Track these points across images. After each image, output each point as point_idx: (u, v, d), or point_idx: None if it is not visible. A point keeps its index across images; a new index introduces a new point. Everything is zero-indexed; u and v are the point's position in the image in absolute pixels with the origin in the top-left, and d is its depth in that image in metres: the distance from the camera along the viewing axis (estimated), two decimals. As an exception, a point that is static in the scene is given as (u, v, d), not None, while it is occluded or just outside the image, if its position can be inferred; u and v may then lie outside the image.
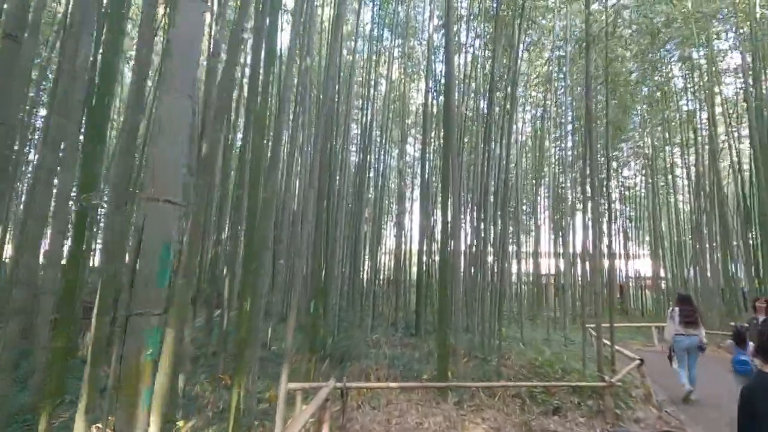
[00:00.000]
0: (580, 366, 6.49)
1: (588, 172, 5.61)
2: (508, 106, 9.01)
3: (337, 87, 11.32)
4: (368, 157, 13.04)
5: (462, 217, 12.45)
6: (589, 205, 5.65)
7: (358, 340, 8.53)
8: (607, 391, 4.44)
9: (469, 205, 12.18)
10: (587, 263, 19.45)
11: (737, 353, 5.00)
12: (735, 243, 15.58)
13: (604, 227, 6.52)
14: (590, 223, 6.03)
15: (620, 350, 6.29)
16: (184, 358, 4.77)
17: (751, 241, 13.90)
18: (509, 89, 8.78)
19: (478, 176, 9.95)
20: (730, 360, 5.17)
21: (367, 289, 11.66)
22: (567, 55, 12.91)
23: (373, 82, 13.96)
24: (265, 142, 3.87)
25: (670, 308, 6.59)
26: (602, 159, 9.37)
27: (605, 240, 6.75)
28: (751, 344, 5.12)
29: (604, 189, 12.23)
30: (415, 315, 10.60)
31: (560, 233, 19.11)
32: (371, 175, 14.87)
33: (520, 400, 5.00)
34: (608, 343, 6.54)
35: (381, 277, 18.87)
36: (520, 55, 9.00)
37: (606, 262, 6.90)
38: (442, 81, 14.61)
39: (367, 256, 12.40)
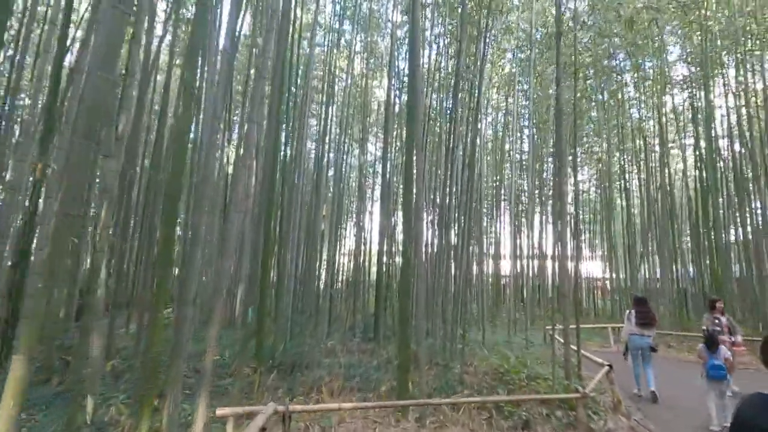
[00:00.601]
0: (545, 371, 6.20)
1: (558, 165, 5.31)
2: (473, 105, 8.70)
3: (298, 81, 10.64)
4: (327, 153, 12.38)
5: (424, 217, 12.10)
6: (558, 202, 5.36)
7: (312, 347, 7.87)
8: (580, 403, 4.10)
9: (432, 206, 11.85)
10: (548, 264, 19.75)
11: (710, 358, 4.86)
12: (679, 245, 16.27)
13: (567, 228, 6.33)
14: (558, 223, 5.76)
15: (585, 354, 6.06)
16: (94, 377, 3.96)
17: (698, 244, 14.48)
18: (475, 82, 8.47)
19: (441, 177, 9.58)
20: (702, 365, 5.03)
21: (323, 291, 10.98)
22: (532, 53, 12.86)
23: (333, 77, 13.32)
24: (194, 117, 3.19)
25: (628, 310, 6.88)
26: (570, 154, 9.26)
27: (570, 241, 6.53)
28: (723, 348, 5.01)
29: (572, 187, 12.24)
30: (373, 318, 10.07)
31: (520, 235, 19.29)
32: (330, 173, 14.20)
33: (487, 413, 4.58)
34: (573, 347, 6.31)
35: (340, 278, 18.21)
36: (485, 50, 8.71)
37: (570, 264, 6.73)
38: (405, 79, 14.25)
39: (324, 256, 11.72)
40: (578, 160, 22.21)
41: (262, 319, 6.00)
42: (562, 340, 7.63)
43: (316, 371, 6.35)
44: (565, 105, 11.29)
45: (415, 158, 5.03)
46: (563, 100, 5.03)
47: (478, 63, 8.60)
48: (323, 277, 11.21)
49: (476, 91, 8.46)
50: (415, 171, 5.04)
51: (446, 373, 6.25)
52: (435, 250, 9.26)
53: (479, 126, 11.97)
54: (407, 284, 4.58)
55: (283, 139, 9.02)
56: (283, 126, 9.34)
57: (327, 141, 12.10)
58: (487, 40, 9.29)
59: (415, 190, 4.97)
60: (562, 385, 5.26)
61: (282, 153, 9.03)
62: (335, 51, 13.77)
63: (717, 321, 5.89)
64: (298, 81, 11.05)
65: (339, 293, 17.49)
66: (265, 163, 7.25)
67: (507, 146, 20.91)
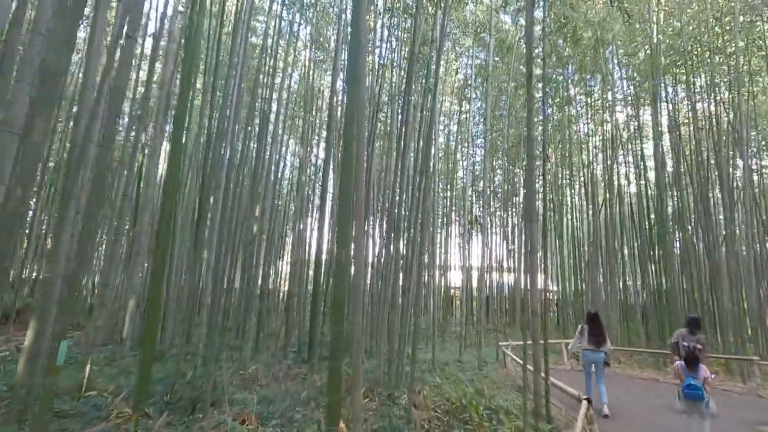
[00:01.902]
0: (505, 399, 5.26)
1: (528, 152, 4.45)
2: (427, 103, 7.76)
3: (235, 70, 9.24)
4: (266, 149, 10.98)
5: (366, 221, 11.06)
6: (529, 198, 4.49)
7: (230, 374, 6.46)
8: (564, 457, 3.14)
9: (380, 213, 10.89)
10: (502, 276, 19.19)
11: (687, 377, 4.29)
12: (625, 258, 16.42)
13: (538, 232, 5.52)
14: (528, 226, 4.90)
15: (555, 383, 5.19)
16: None
17: (644, 258, 14.55)
18: (431, 78, 7.57)
19: (390, 182, 8.61)
20: (678, 384, 4.47)
21: (252, 305, 9.48)
22: (490, 55, 12.32)
23: (275, 70, 11.97)
24: None
25: (580, 325, 6.77)
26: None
27: (537, 251, 5.67)
28: (702, 367, 4.41)
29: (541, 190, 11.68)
30: (308, 336, 8.74)
31: (470, 245, 18.76)
32: (270, 172, 12.76)
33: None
34: (530, 369, 5.43)
35: (280, 289, 16.60)
36: (442, 38, 7.83)
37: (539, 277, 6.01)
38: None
39: (257, 264, 10.19)
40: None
41: (150, 343, 4.55)
42: (519, 360, 6.79)
43: (226, 409, 4.97)
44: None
45: (355, 147, 3.91)
46: (533, 70, 4.24)
47: (435, 52, 7.70)
48: (253, 287, 9.71)
49: (432, 79, 7.51)
50: (355, 161, 3.92)
51: (390, 408, 5.12)
52: (383, 259, 8.22)
53: (433, 129, 11.14)
54: (341, 300, 3.43)
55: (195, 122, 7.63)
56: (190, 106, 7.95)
57: (266, 136, 10.75)
58: (443, 30, 8.48)
59: (354, 185, 3.85)
60: (531, 425, 4.31)
61: (203, 139, 7.61)
62: (278, 38, 12.52)
63: (698, 338, 5.34)
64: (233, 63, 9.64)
65: (276, 307, 15.91)
66: (170, 161, 5.81)
67: (459, 155, 20.53)
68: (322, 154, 16.13)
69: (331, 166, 11.76)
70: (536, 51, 10.06)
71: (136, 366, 6.96)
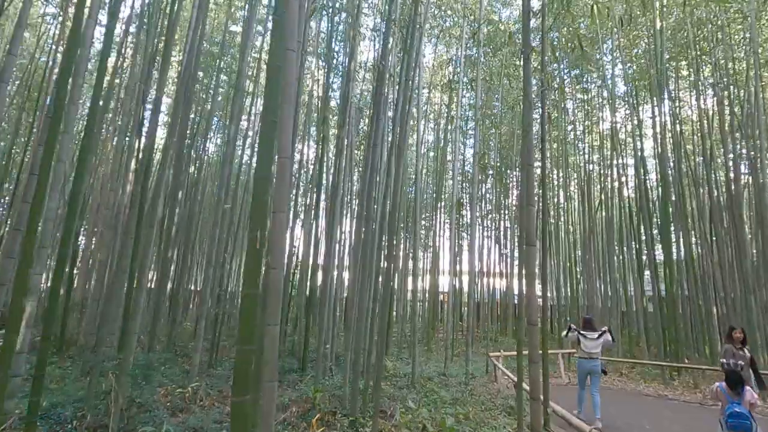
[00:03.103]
0: (493, 428, 4.25)
1: (524, 128, 3.48)
2: (404, 81, 6.78)
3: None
4: (234, 135, 9.97)
5: (342, 220, 10.13)
6: (524, 187, 3.54)
7: (170, 391, 5.40)
8: None
9: (350, 209, 9.91)
10: (493, 281, 18.21)
11: (730, 402, 3.32)
12: (620, 262, 15.51)
13: (535, 230, 4.60)
14: (523, 218, 3.94)
15: (558, 411, 4.19)
16: None
17: (642, 261, 13.67)
18: (409, 42, 6.59)
19: (365, 179, 7.63)
20: (720, 410, 3.52)
21: (201, 308, 8.39)
22: (480, 45, 11.43)
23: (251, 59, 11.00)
24: None
25: (577, 331, 6.48)
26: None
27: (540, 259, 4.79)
28: (747, 389, 3.45)
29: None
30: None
31: (460, 249, 17.78)
32: (232, 162, 11.71)
33: None
34: (525, 389, 4.43)
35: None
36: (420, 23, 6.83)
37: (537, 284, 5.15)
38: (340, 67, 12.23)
39: (214, 264, 9.08)
40: (517, 173, 21.43)
41: (8, 355, 3.49)
42: (511, 377, 5.83)
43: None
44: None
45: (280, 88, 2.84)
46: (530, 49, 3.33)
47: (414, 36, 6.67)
48: (212, 288, 8.62)
49: (413, 54, 6.54)
50: (279, 94, 2.78)
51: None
52: (355, 261, 7.21)
53: (411, 101, 10.19)
54: (251, 303, 2.41)
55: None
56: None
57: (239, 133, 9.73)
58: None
59: (277, 133, 2.73)
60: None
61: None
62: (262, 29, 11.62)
63: (739, 353, 4.40)
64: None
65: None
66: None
67: (449, 155, 19.56)
68: (305, 150, 15.06)
69: (323, 161, 10.73)
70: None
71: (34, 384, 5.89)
